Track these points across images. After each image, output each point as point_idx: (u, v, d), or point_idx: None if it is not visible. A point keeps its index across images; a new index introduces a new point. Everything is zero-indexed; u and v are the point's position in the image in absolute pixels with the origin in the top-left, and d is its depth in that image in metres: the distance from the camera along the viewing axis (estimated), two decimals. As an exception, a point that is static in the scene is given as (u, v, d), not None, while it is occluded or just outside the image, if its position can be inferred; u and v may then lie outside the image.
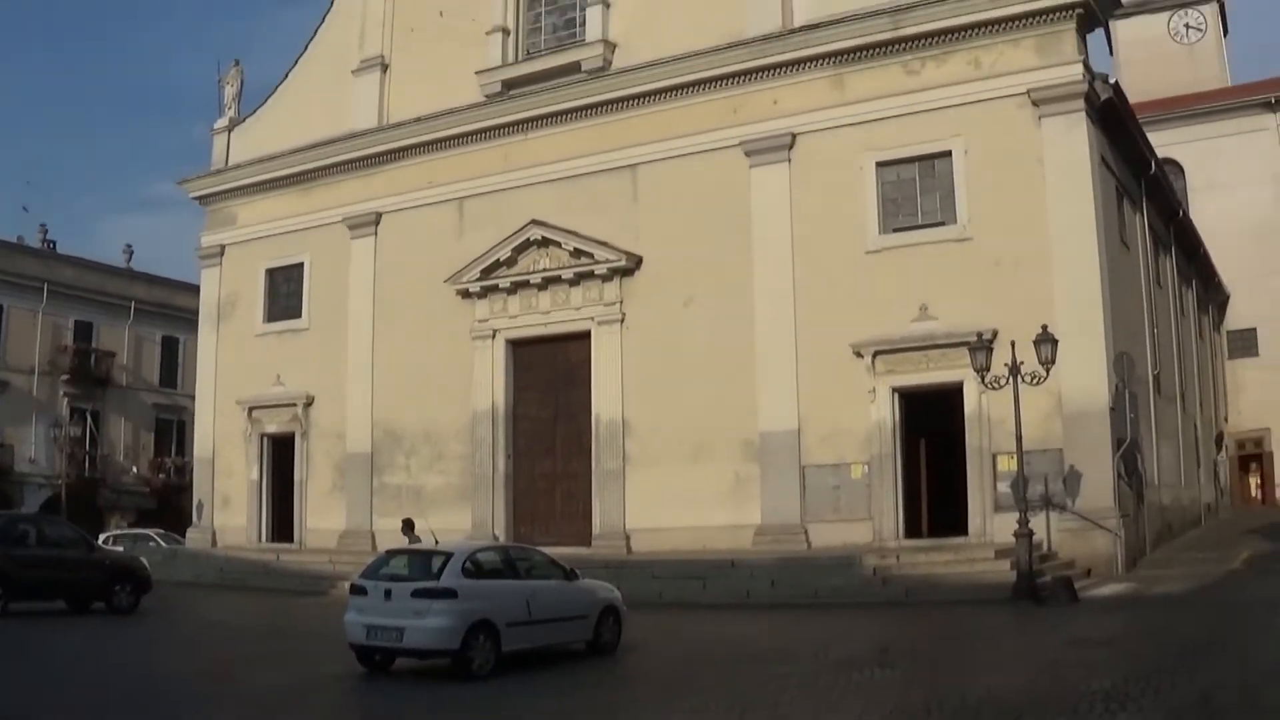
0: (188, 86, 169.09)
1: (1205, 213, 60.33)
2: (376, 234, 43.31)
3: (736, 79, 36.51)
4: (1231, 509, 59.85)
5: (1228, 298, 64.34)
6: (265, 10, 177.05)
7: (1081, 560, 30.41)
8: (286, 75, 47.70)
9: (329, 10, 46.71)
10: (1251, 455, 66.99)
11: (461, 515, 39.07)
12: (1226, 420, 63.34)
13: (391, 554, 21.64)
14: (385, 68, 44.21)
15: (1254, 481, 67.50)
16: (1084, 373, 30.92)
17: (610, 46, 39.16)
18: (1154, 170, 40.63)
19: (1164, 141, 57.39)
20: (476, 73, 41.05)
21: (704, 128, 36.71)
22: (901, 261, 33.60)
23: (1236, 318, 65.64)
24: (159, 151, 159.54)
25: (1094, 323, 31.41)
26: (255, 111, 48.37)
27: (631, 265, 37.50)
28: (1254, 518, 50.74)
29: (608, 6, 39.61)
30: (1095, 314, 31.49)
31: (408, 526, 31.23)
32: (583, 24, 40.34)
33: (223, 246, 47.70)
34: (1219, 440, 58.81)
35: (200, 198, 48.62)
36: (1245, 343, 66.05)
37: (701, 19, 37.28)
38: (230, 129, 48.48)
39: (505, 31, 41.30)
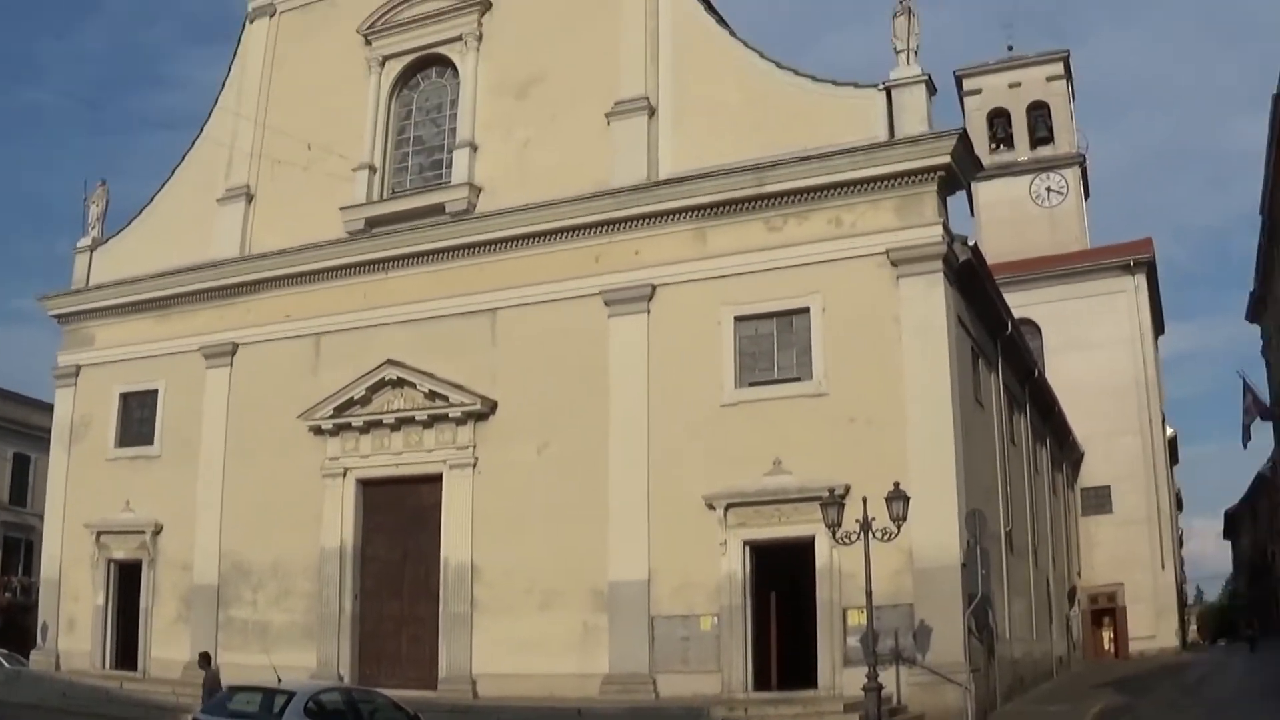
0: (56, 201, 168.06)
1: (1061, 372, 61.83)
2: (232, 364, 42.78)
3: (599, 228, 36.83)
4: (1084, 662, 60.79)
5: (1082, 456, 65.65)
6: (136, 131, 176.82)
7: (931, 714, 30.41)
8: (152, 198, 47.17)
9: (198, 136, 46.45)
10: (1104, 609, 68.25)
11: (307, 654, 38.31)
12: (1080, 575, 64.38)
13: (234, 690, 21.35)
14: (250, 198, 43.96)
15: (1106, 635, 68.72)
16: (935, 529, 31.06)
17: (475, 190, 39.33)
18: (1010, 331, 41.50)
19: (1023, 302, 58.92)
20: (341, 209, 40.99)
21: (565, 275, 36.90)
22: (756, 415, 33.84)
23: (1090, 476, 67.16)
24: (23, 264, 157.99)
25: (946, 480, 31.68)
26: (119, 232, 47.76)
27: (486, 410, 37.39)
28: (1106, 671, 51.42)
29: (474, 150, 39.84)
30: (948, 472, 31.77)
31: (204, 660, 30.68)
32: (449, 166, 40.49)
33: (78, 367, 46.74)
34: (1071, 595, 59.64)
35: (59, 316, 47.65)
36: (1099, 500, 67.64)
37: (568, 167, 37.68)
38: (93, 249, 47.75)
39: (372, 169, 41.35)
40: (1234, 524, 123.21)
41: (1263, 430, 71.41)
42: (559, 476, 35.96)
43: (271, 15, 45.87)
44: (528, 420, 36.79)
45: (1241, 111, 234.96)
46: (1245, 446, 69.44)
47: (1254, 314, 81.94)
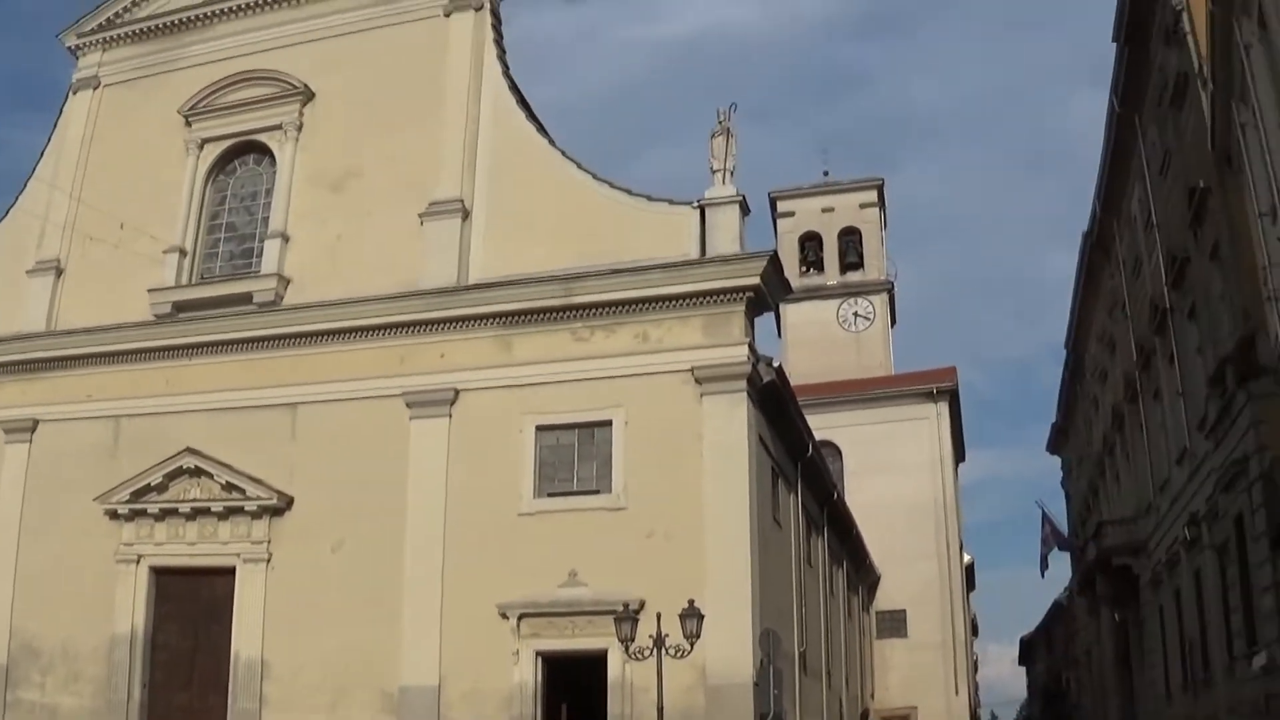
0: None
1: (861, 495, 62.61)
2: (32, 441, 41.12)
3: (406, 329, 36.37)
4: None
5: (879, 579, 66.17)
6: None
7: (722, 832, 30.00)
8: (-39, 265, 45.54)
9: (12, 205, 45.00)
10: (900, 731, 68.46)
11: (95, 741, 37.01)
12: (873, 697, 64.52)
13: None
14: (60, 272, 42.51)
15: (903, 755, 68.91)
16: (729, 647, 30.87)
17: (284, 281, 38.60)
18: (811, 453, 41.72)
19: (825, 424, 59.53)
20: (149, 290, 39.92)
21: (369, 374, 36.36)
22: (554, 526, 33.47)
23: (887, 599, 67.65)
24: None
25: (741, 599, 31.48)
26: (-75, 297, 45.97)
27: (283, 505, 36.47)
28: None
29: (286, 241, 39.18)
30: (743, 590, 31.59)
31: None
32: (260, 255, 39.73)
33: (-123, 433, 44.79)
34: (864, 716, 59.74)
35: None
36: (895, 623, 68.16)
37: (378, 265, 37.27)
38: (-99, 312, 45.90)
39: (182, 252, 40.37)
40: (1029, 650, 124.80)
41: (1060, 560, 72.59)
42: (353, 576, 35.09)
43: (96, 88, 44.76)
44: (324, 518, 35.92)
45: (1051, 246, 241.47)
46: (1043, 576, 70.54)
47: (1055, 446, 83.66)
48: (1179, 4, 33.99)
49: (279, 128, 40.72)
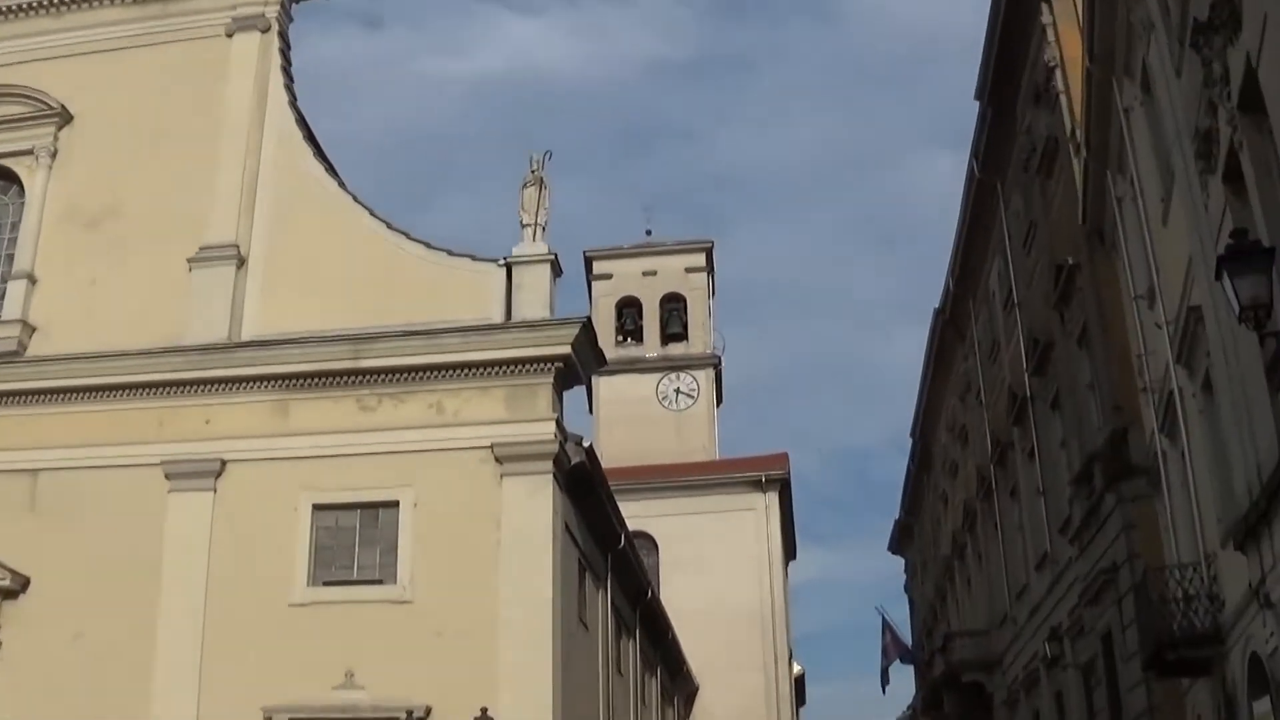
0: None
1: (679, 595, 61.63)
2: None
3: (166, 389, 34.73)
4: None
5: (697, 689, 65.16)
6: None
7: None
8: None
9: None
10: None
11: None
12: (685, 813, 63.80)
13: None
14: None
15: None
16: (526, 761, 29.79)
17: (29, 329, 36.61)
18: (623, 545, 40.90)
19: (640, 513, 58.22)
20: (-121, 336, 37.78)
21: (123, 439, 34.49)
22: (330, 620, 32.03)
23: (705, 713, 66.43)
24: None
25: (541, 707, 30.45)
26: None
27: (16, 586, 34.15)
28: None
29: (33, 283, 37.24)
30: (543, 698, 30.59)
31: None
32: (2, 298, 37.70)
33: None
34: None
35: None
36: (717, 739, 66.97)
37: (138, 316, 35.65)
38: None
39: (-79, 298, 38.39)
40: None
41: (903, 673, 72.02)
42: (96, 670, 32.82)
43: None
44: (65, 602, 33.64)
45: (899, 323, 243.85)
46: (884, 691, 69.92)
47: (898, 545, 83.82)
48: (1052, 61, 34.29)
49: (30, 153, 38.88)
